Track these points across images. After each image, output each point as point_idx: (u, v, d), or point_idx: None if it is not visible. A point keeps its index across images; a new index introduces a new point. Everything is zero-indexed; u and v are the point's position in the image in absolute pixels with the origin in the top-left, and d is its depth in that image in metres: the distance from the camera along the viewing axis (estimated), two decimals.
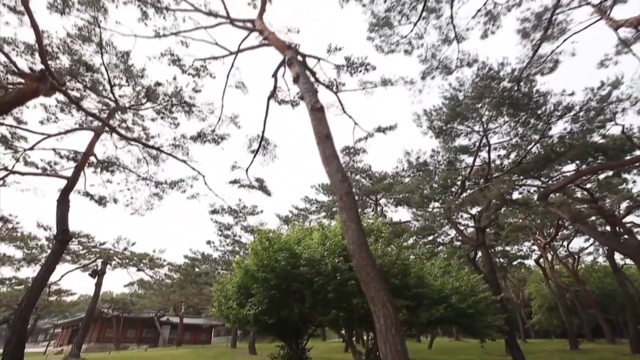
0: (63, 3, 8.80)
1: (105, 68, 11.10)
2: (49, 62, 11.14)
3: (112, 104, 13.04)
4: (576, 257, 32.93)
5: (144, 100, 13.00)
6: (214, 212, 15.51)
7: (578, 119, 13.13)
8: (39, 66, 10.34)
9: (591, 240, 32.22)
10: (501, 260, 36.96)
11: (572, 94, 11.69)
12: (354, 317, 10.38)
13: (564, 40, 11.15)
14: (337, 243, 10.28)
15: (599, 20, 9.90)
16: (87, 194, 16.15)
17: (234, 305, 11.18)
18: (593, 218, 24.44)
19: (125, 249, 24.18)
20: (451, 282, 11.04)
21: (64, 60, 11.55)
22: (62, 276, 24.37)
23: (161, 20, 10.17)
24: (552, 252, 32.95)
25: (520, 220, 27.83)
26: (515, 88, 11.24)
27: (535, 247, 32.31)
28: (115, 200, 16.08)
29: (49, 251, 15.83)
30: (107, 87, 12.45)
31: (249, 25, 10.00)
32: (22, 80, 6.62)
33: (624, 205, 22.55)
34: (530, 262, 39.54)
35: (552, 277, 30.04)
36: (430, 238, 29.70)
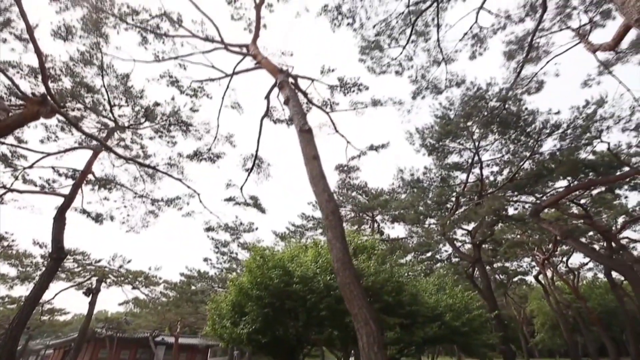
0: (66, 31, 9.25)
1: (106, 89, 11.48)
2: (52, 84, 11.55)
3: (112, 124, 13.36)
4: (576, 273, 32.60)
5: (142, 120, 13.34)
6: (208, 229, 15.60)
7: (566, 137, 13.47)
8: (41, 88, 10.67)
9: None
10: (501, 276, 36.55)
11: (558, 112, 12.08)
12: (349, 335, 10.28)
13: (547, 62, 11.61)
14: (329, 260, 10.33)
15: (579, 43, 10.37)
16: (84, 211, 16.26)
17: (227, 324, 11.09)
18: (591, 233, 24.51)
19: (120, 266, 24.00)
20: (445, 299, 11.00)
21: (66, 82, 11.96)
22: (56, 295, 24.13)
23: (160, 44, 10.68)
24: (552, 268, 32.64)
25: (518, 236, 27.77)
26: (502, 108, 11.61)
27: (534, 263, 32.06)
28: (111, 218, 16.17)
29: (44, 269, 15.77)
30: (107, 107, 12.81)
31: (243, 50, 10.48)
32: (24, 102, 6.90)
33: (620, 220, 22.65)
34: (531, 279, 39.09)
35: (553, 294, 29.66)
36: (429, 254, 29.51)
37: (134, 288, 25.81)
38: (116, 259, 23.52)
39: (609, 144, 12.48)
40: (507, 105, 11.55)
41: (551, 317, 36.67)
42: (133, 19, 9.92)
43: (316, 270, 10.21)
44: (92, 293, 22.70)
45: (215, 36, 10.19)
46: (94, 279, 23.68)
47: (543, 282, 30.79)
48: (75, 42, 9.60)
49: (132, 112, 13.21)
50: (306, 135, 6.43)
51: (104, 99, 12.65)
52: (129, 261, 24.03)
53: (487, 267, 34.32)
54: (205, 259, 29.41)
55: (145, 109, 12.70)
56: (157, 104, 12.71)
